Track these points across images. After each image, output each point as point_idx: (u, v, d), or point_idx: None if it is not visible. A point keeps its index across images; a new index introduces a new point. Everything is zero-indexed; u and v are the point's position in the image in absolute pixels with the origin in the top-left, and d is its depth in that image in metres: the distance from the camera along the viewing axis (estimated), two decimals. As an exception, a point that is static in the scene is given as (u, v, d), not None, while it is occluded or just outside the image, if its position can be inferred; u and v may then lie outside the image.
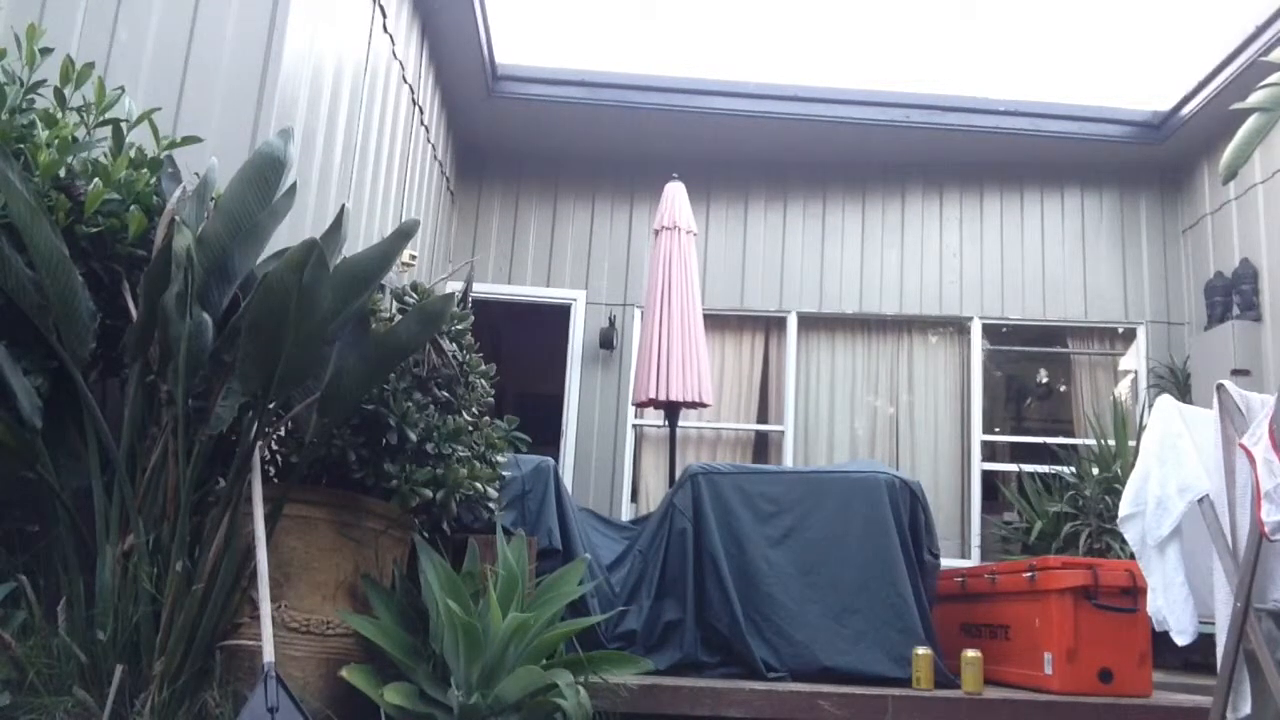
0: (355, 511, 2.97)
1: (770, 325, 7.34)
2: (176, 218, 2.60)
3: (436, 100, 6.50)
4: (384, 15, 5.03)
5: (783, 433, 7.07)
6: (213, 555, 2.55)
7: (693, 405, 6.02)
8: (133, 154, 2.89)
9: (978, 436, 6.95)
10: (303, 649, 2.76)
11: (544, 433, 5.46)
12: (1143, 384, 6.93)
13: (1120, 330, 7.16)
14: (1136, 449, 4.06)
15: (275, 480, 2.93)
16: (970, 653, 3.60)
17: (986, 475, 6.90)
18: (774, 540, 3.97)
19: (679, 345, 5.90)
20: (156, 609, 2.46)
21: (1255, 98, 3.77)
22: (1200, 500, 2.81)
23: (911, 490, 4.03)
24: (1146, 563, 2.92)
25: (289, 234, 3.28)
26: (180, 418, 2.54)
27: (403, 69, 5.51)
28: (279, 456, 3.00)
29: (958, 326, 7.24)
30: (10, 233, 2.45)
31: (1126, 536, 3.00)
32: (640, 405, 6.21)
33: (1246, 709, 2.68)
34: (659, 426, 6.96)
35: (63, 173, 2.70)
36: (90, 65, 2.91)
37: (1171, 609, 2.82)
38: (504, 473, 3.57)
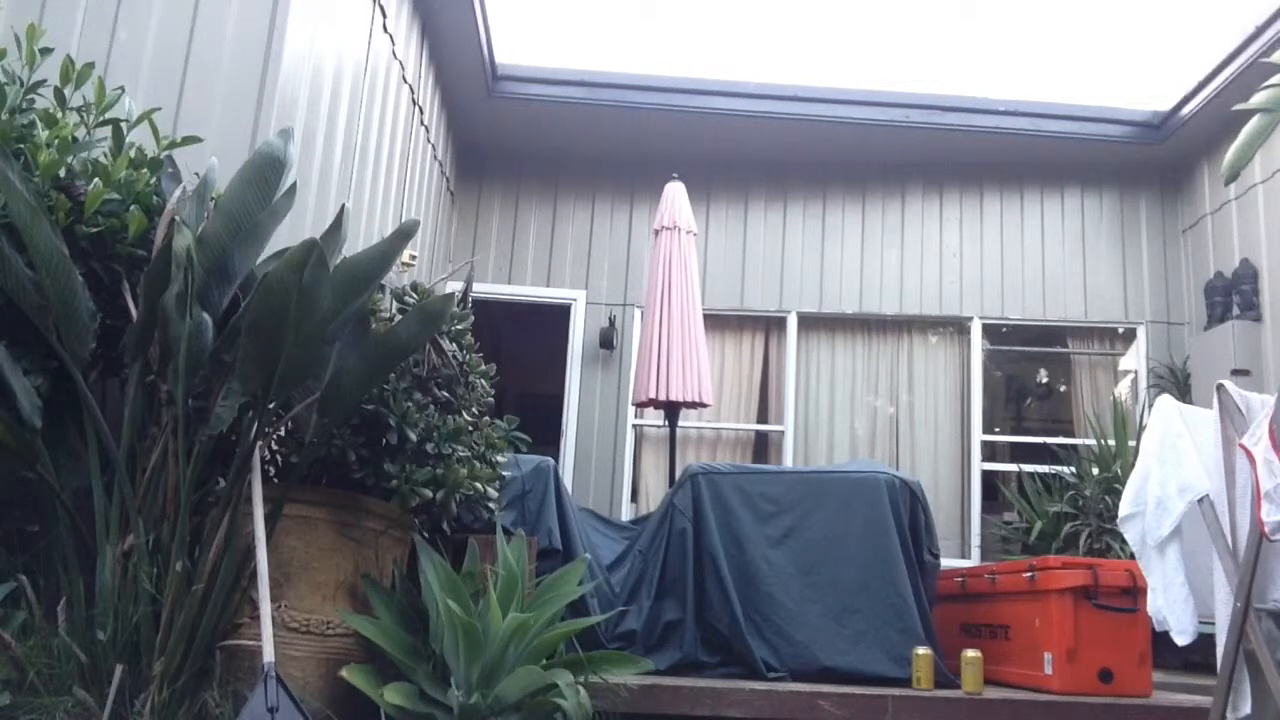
0: (355, 511, 2.97)
1: (770, 325, 7.34)
2: (176, 218, 2.60)
3: (436, 100, 6.50)
4: (384, 15, 5.03)
5: (783, 433, 7.07)
6: (213, 555, 2.55)
7: (693, 405, 6.02)
8: (133, 154, 2.89)
9: (978, 436, 6.95)
10: (303, 649, 2.76)
11: (544, 433, 5.46)
12: (1143, 384, 6.94)
13: (1120, 330, 7.16)
14: (1136, 449, 4.06)
15: (275, 480, 2.93)
16: (970, 653, 3.60)
17: (986, 475, 6.90)
18: (774, 540, 3.97)
19: (679, 345, 5.90)
20: (156, 609, 2.46)
21: (1257, 99, 3.77)
22: (1200, 500, 2.81)
23: (911, 490, 4.03)
24: (1146, 563, 2.92)
25: (289, 234, 3.28)
26: (180, 418, 2.54)
27: (403, 69, 5.51)
28: (279, 456, 3.00)
29: (958, 326, 7.25)
30: (10, 233, 2.45)
31: (1126, 536, 3.00)
32: (640, 405, 6.21)
33: (1246, 709, 2.68)
34: (659, 426, 6.96)
35: (63, 173, 2.70)
36: (90, 65, 2.91)
37: (1171, 609, 2.82)
38: (504, 473, 3.57)
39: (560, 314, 7.28)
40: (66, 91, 2.84)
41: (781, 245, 7.38)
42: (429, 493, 3.02)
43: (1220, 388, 2.82)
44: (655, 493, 6.91)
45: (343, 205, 2.90)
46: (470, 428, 3.31)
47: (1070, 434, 6.96)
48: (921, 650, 3.65)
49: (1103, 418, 6.55)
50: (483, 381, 3.48)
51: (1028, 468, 6.37)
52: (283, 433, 2.93)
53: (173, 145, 3.01)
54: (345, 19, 4.56)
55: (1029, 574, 3.83)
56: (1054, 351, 7.42)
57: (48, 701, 2.29)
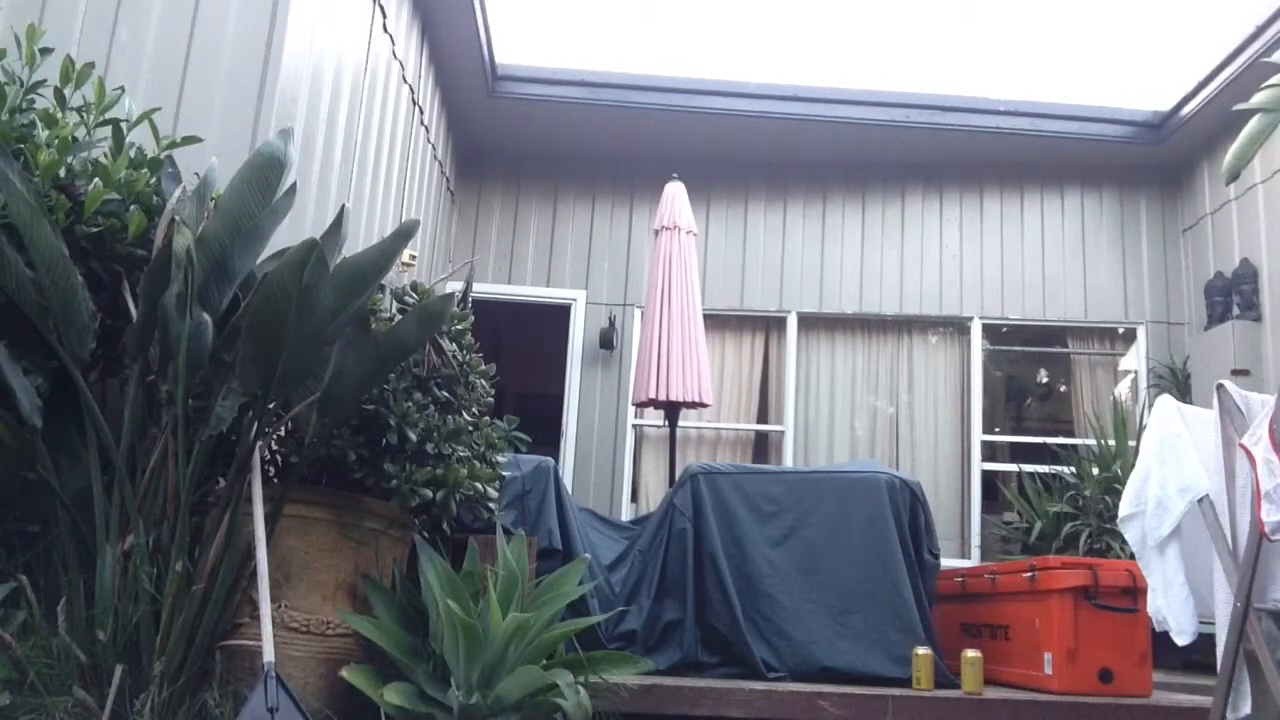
0: (355, 511, 2.97)
1: (770, 325, 7.34)
2: (176, 218, 2.60)
3: (436, 100, 6.50)
4: (384, 15, 5.03)
5: (783, 433, 7.07)
6: (213, 555, 2.55)
7: (693, 405, 6.02)
8: (133, 154, 2.89)
9: (978, 436, 6.95)
10: (303, 649, 2.76)
11: (544, 433, 5.46)
12: (1143, 384, 6.94)
13: (1120, 330, 7.17)
14: (1136, 449, 4.06)
15: (275, 480, 2.93)
16: (970, 653, 3.60)
17: (986, 475, 6.90)
18: (774, 540, 3.97)
19: (679, 345, 5.90)
20: (156, 609, 2.46)
21: (1258, 99, 3.77)
22: (1200, 500, 2.81)
23: (911, 490, 4.03)
24: (1146, 563, 2.92)
25: (289, 234, 3.28)
26: (180, 418, 2.54)
27: (403, 69, 5.51)
28: (279, 456, 3.00)
29: (958, 326, 7.25)
30: (10, 233, 2.45)
31: (1126, 536, 3.00)
32: (640, 405, 6.21)
33: (1246, 709, 2.68)
34: (659, 426, 6.96)
35: (63, 173, 2.70)
36: (90, 65, 2.91)
37: (1171, 609, 2.82)
38: (504, 473, 3.57)
39: (560, 314, 7.28)
40: (66, 91, 2.84)
41: (781, 245, 7.38)
42: (429, 493, 3.02)
43: (1220, 388, 2.82)
44: (655, 493, 6.91)
45: (343, 205, 2.90)
46: (470, 428, 3.31)
47: (1070, 434, 6.96)
48: (921, 650, 3.65)
49: (1103, 418, 6.56)
50: (483, 381, 3.48)
51: (1028, 468, 6.37)
52: (283, 433, 2.93)
53: (173, 145, 3.01)
54: (345, 19, 4.56)
55: (1029, 574, 3.83)
56: (1054, 351, 7.42)
57: (48, 701, 2.29)
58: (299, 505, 2.85)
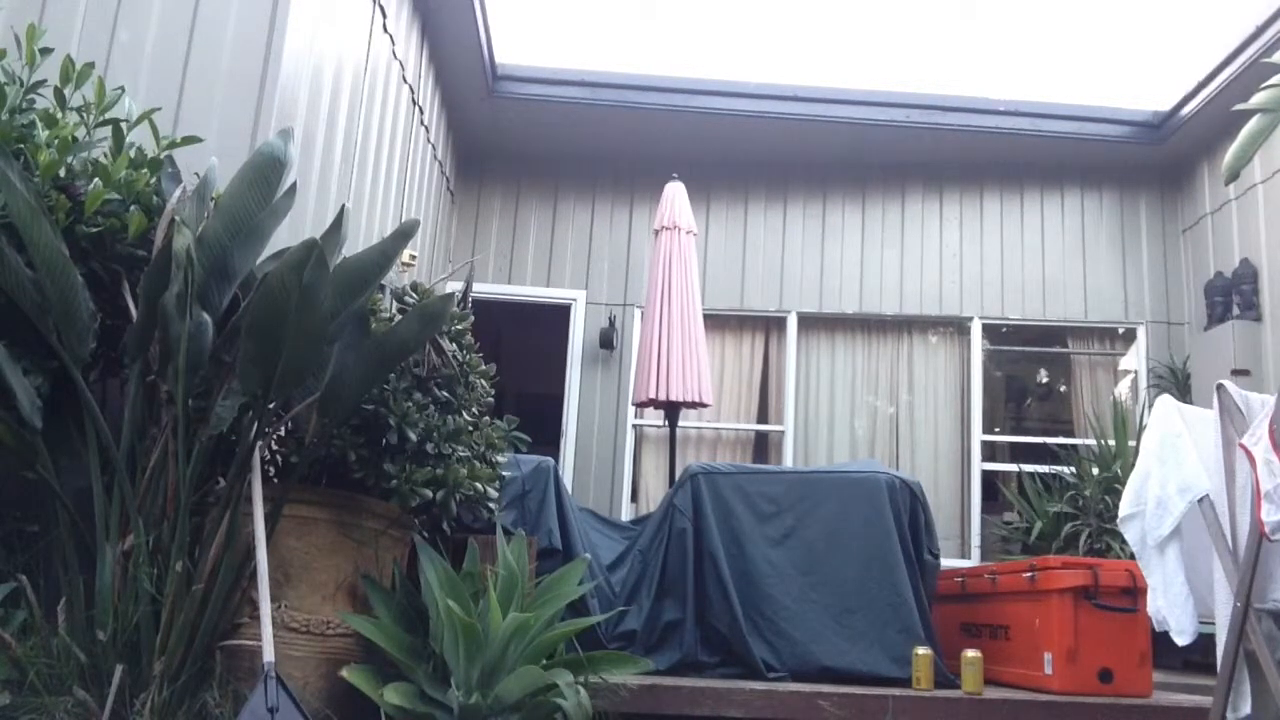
0: (355, 511, 2.97)
1: (770, 325, 7.34)
2: (176, 218, 2.60)
3: (436, 100, 6.50)
4: (384, 15, 5.03)
5: (783, 433, 7.07)
6: (213, 555, 2.55)
7: (693, 405, 6.02)
8: (133, 154, 2.89)
9: (978, 436, 6.95)
10: (303, 649, 2.76)
11: (544, 433, 5.45)
12: (1143, 384, 6.93)
13: (1120, 330, 7.16)
14: (1136, 449, 4.06)
15: (275, 480, 2.93)
16: (970, 653, 3.60)
17: (986, 475, 6.90)
18: (774, 540, 3.97)
19: (679, 345, 5.90)
20: (156, 609, 2.46)
21: (1257, 99, 3.77)
22: (1200, 500, 2.81)
23: (911, 490, 4.03)
24: (1146, 563, 2.92)
25: (289, 234, 3.28)
26: (180, 418, 2.54)
27: (403, 69, 5.51)
28: (279, 456, 3.00)
29: (958, 326, 7.25)
30: (10, 233, 2.45)
31: (1126, 536, 3.00)
32: (640, 405, 6.21)
33: (1246, 709, 2.69)
34: (659, 426, 6.96)
35: (63, 173, 2.70)
36: (90, 65, 2.91)
37: (1171, 609, 2.82)
38: (504, 473, 3.57)
39: (560, 314, 7.28)
40: (66, 91, 2.84)
41: (781, 245, 7.38)
42: (429, 493, 3.02)
43: (1220, 388, 2.82)
44: (655, 493, 6.91)
45: (343, 205, 2.90)
46: (470, 428, 3.31)
47: (1070, 434, 6.96)
48: (921, 650, 3.65)
49: (1103, 418, 6.56)
50: (483, 381, 3.48)
51: (1028, 468, 6.37)
52: (283, 433, 2.93)
53: (173, 145, 3.01)
54: (345, 19, 4.56)
55: (1029, 574, 3.83)
56: (1054, 351, 7.42)
57: (48, 701, 2.30)
58: (299, 505, 2.85)
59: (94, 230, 2.69)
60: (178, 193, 2.79)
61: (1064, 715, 3.43)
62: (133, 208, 2.77)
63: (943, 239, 7.32)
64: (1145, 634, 3.64)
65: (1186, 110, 6.52)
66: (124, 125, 2.92)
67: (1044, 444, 6.66)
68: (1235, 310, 6.33)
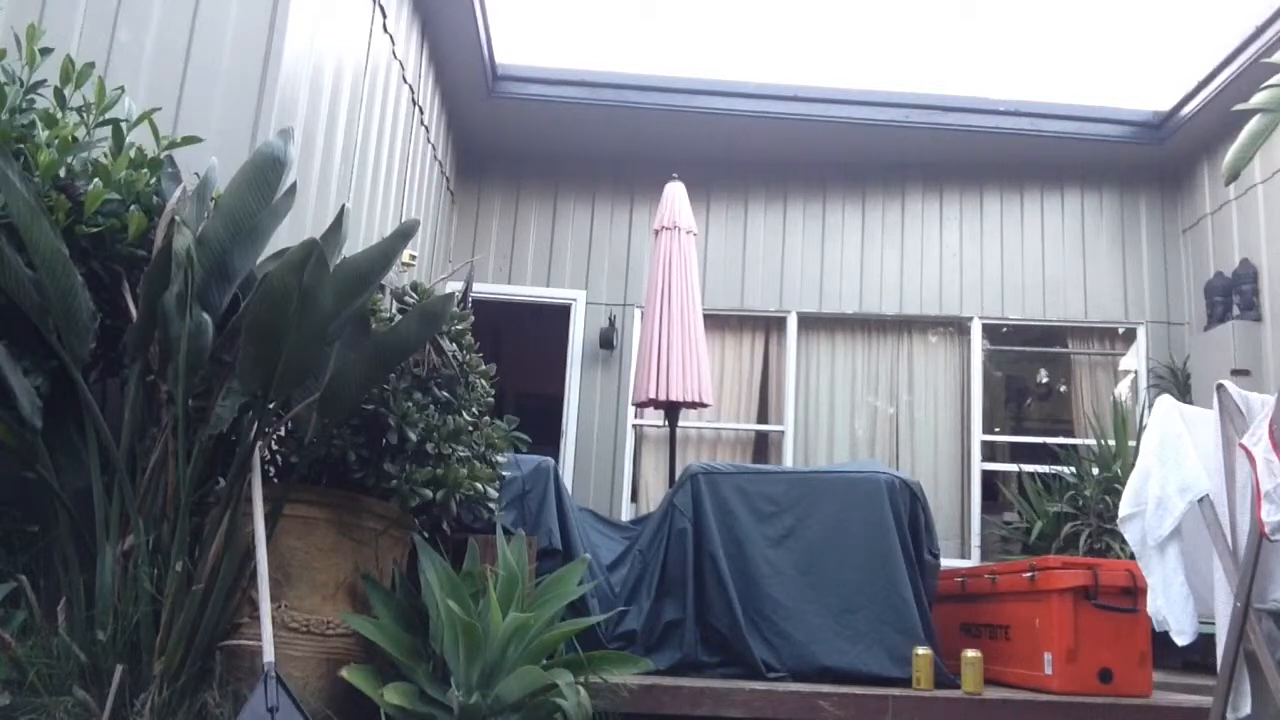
0: (355, 511, 2.97)
1: (770, 325, 7.34)
2: (176, 218, 2.60)
3: (436, 100, 6.50)
4: (384, 15, 5.03)
5: (783, 433, 7.07)
6: (213, 555, 2.55)
7: (693, 405, 6.02)
8: (133, 154, 2.89)
9: (978, 436, 6.94)
10: (303, 649, 2.76)
11: (544, 433, 5.45)
12: (1143, 384, 6.93)
13: (1120, 330, 7.16)
14: (1136, 449, 4.06)
15: (275, 480, 2.93)
16: (970, 653, 3.60)
17: (986, 475, 6.90)
18: (774, 540, 3.97)
19: (679, 345, 5.90)
20: (156, 609, 2.46)
21: (1258, 99, 3.77)
22: (1200, 500, 2.81)
23: (911, 490, 4.03)
24: (1146, 563, 2.92)
25: (289, 234, 3.28)
26: (180, 418, 2.54)
27: (403, 69, 5.51)
28: (279, 456, 3.00)
29: (958, 326, 7.24)
30: (10, 233, 2.45)
31: (1126, 536, 3.00)
32: (640, 405, 6.21)
33: (1246, 709, 2.69)
34: (659, 426, 6.96)
35: (63, 173, 2.70)
36: (90, 65, 2.91)
37: (1171, 609, 2.82)
38: (504, 473, 3.57)
39: (560, 314, 7.28)
40: (66, 91, 2.84)
41: (781, 245, 7.37)
42: (429, 493, 3.02)
43: (1220, 388, 2.82)
44: (655, 493, 6.91)
45: (343, 205, 2.90)
46: (470, 428, 3.31)
47: (1070, 434, 6.96)
48: (921, 650, 3.65)
49: (1103, 418, 6.55)
50: (483, 381, 3.48)
51: (1028, 468, 6.37)
52: (283, 433, 2.93)
53: (173, 145, 3.01)
54: (345, 19, 4.56)
55: (1029, 574, 3.83)
56: (1054, 351, 7.42)
57: (48, 701, 2.29)
58: (299, 505, 2.85)
59: (94, 230, 2.69)
60: (178, 193, 2.79)
61: (1064, 715, 3.43)
62: (133, 208, 2.77)
63: (943, 239, 7.32)
64: (1145, 634, 3.64)
65: (1186, 110, 6.52)
66: (124, 125, 2.92)
67: (1044, 444, 6.66)
68: (1235, 310, 6.33)
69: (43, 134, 2.70)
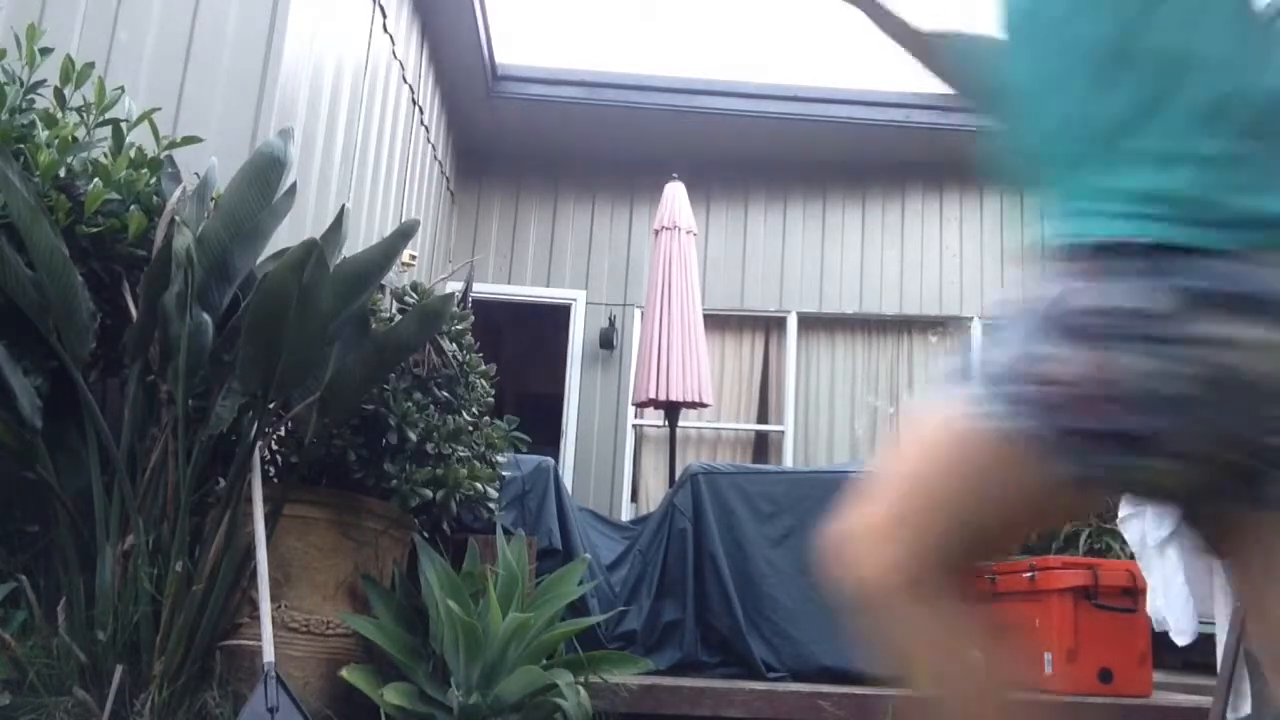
0: (355, 511, 2.97)
1: (770, 325, 7.34)
2: (176, 218, 2.60)
3: (436, 100, 6.50)
4: (384, 15, 5.03)
5: (783, 433, 7.07)
6: (213, 555, 2.55)
7: (693, 405, 6.02)
8: (133, 154, 2.89)
9: (978, 436, 6.93)
10: (303, 649, 2.76)
11: (544, 433, 5.45)
12: (1143, 384, 6.93)
13: (1120, 330, 7.16)
14: (1136, 449, 4.05)
15: (275, 480, 2.93)
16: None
17: (986, 475, 6.89)
18: (774, 540, 3.97)
19: (679, 345, 5.90)
20: (156, 609, 2.46)
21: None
22: (1200, 500, 2.80)
23: (911, 490, 4.03)
24: (1146, 563, 2.92)
25: (289, 234, 3.27)
26: (180, 418, 2.54)
27: (403, 69, 5.51)
28: (279, 456, 3.00)
29: (958, 326, 7.24)
30: (10, 233, 2.45)
31: (1126, 536, 3.01)
32: (640, 405, 6.21)
33: (1246, 709, 2.69)
34: (659, 426, 6.96)
35: (63, 173, 2.70)
36: (90, 65, 2.91)
37: (1171, 609, 2.83)
38: (504, 473, 3.57)
39: (560, 314, 7.28)
40: (66, 91, 2.84)
41: (781, 245, 7.37)
42: (429, 493, 3.02)
43: (1220, 388, 2.82)
44: (655, 493, 6.91)
45: (343, 205, 2.90)
46: (470, 428, 3.31)
47: (1070, 434, 6.95)
48: (921, 650, 3.64)
49: (1103, 418, 6.54)
50: (483, 381, 3.48)
51: (1028, 468, 6.36)
52: (283, 433, 2.93)
53: (173, 145, 3.01)
54: (345, 19, 4.56)
55: (1029, 574, 3.83)
56: (1054, 351, 7.41)
57: (48, 701, 2.29)
58: (299, 505, 2.85)
59: (94, 230, 2.69)
60: (178, 193, 2.79)
61: (1064, 715, 3.42)
62: (133, 208, 2.77)
63: (943, 239, 7.32)
64: (1145, 634, 3.64)
65: (1186, 110, 6.51)
66: (124, 125, 2.92)
67: (1044, 444, 6.65)
68: (1235, 310, 6.32)
69: (43, 134, 2.69)
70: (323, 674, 2.78)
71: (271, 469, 2.97)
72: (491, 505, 3.36)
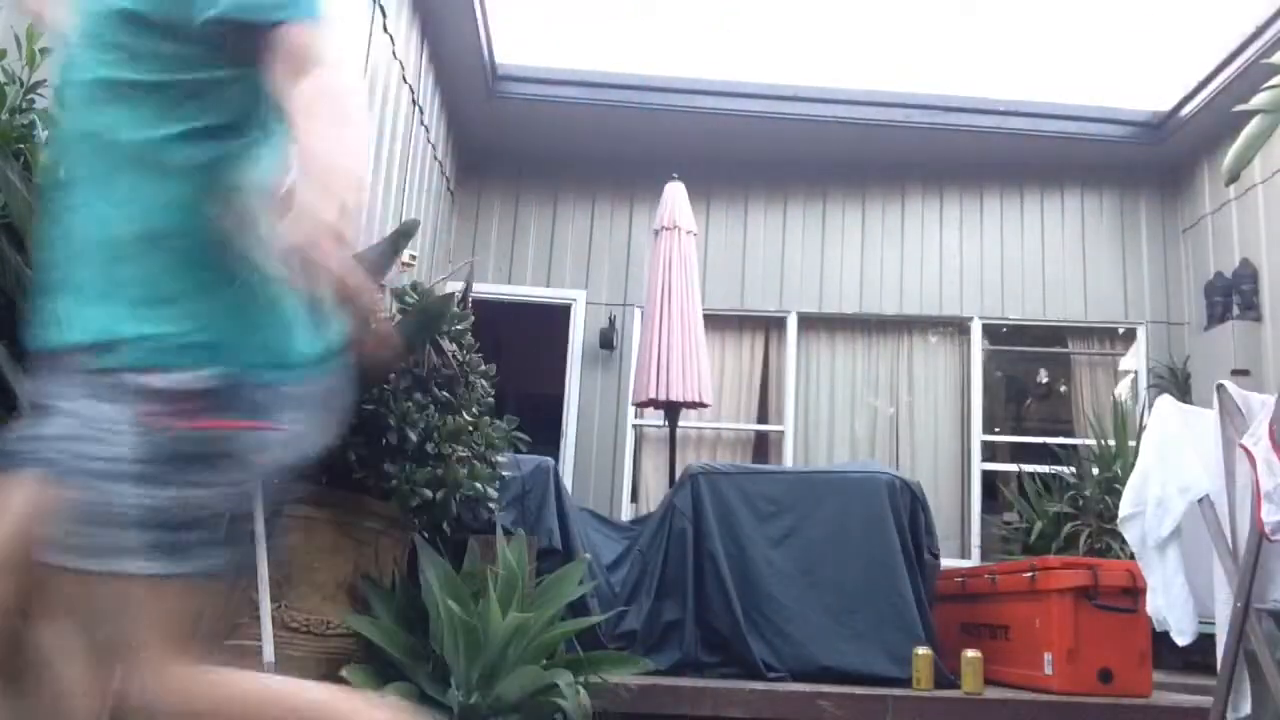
0: (355, 511, 2.97)
1: (770, 325, 7.34)
2: (176, 218, 2.60)
3: (436, 100, 6.50)
4: (384, 15, 5.03)
5: (783, 433, 7.07)
6: (213, 555, 2.55)
7: (693, 405, 6.02)
8: (133, 154, 2.89)
9: (978, 436, 6.94)
10: (303, 649, 2.76)
11: (544, 433, 5.45)
12: (1143, 384, 6.93)
13: (1120, 330, 7.16)
14: (1136, 449, 4.06)
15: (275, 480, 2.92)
16: (970, 653, 3.61)
17: (986, 475, 6.90)
18: (774, 540, 3.97)
19: (679, 345, 5.90)
20: (156, 609, 2.45)
21: (1258, 100, 3.76)
22: (1200, 500, 2.81)
23: (911, 490, 4.04)
24: (1146, 563, 2.92)
25: (289, 234, 3.26)
26: (180, 418, 2.54)
27: (403, 69, 5.51)
28: (279, 456, 2.99)
29: (958, 326, 7.24)
30: (10, 233, 2.45)
31: (1126, 537, 3.00)
32: (640, 405, 6.21)
33: (1246, 709, 2.69)
34: (659, 426, 6.96)
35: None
36: (90, 65, 2.90)
37: (1171, 609, 2.82)
38: (504, 473, 3.57)
39: (560, 314, 7.28)
40: (67, 91, 2.84)
41: (781, 245, 7.37)
42: (429, 493, 3.02)
43: (1220, 388, 2.82)
44: (655, 493, 6.91)
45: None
46: (470, 428, 3.31)
47: (1070, 434, 6.96)
48: (921, 650, 3.65)
49: (1103, 418, 6.55)
50: (483, 381, 3.48)
51: (1028, 468, 6.37)
52: (283, 433, 2.93)
53: (173, 145, 3.00)
54: (345, 18, 4.56)
55: (1029, 574, 3.84)
56: (1054, 351, 7.42)
57: (48, 701, 2.29)
58: (299, 505, 2.84)
59: (94, 230, 2.69)
60: (178, 193, 2.78)
61: (1064, 715, 3.43)
62: (133, 208, 2.76)
63: (943, 239, 7.32)
64: (1145, 634, 3.64)
65: (1186, 110, 6.52)
66: (124, 125, 2.91)
67: (1044, 444, 6.65)
68: (1235, 310, 6.33)
69: (43, 134, 2.69)
70: (323, 674, 2.78)
71: (271, 469, 2.96)
72: (491, 505, 3.37)
